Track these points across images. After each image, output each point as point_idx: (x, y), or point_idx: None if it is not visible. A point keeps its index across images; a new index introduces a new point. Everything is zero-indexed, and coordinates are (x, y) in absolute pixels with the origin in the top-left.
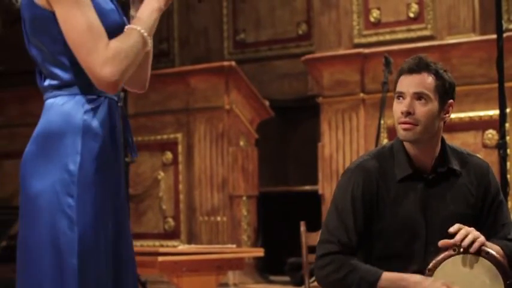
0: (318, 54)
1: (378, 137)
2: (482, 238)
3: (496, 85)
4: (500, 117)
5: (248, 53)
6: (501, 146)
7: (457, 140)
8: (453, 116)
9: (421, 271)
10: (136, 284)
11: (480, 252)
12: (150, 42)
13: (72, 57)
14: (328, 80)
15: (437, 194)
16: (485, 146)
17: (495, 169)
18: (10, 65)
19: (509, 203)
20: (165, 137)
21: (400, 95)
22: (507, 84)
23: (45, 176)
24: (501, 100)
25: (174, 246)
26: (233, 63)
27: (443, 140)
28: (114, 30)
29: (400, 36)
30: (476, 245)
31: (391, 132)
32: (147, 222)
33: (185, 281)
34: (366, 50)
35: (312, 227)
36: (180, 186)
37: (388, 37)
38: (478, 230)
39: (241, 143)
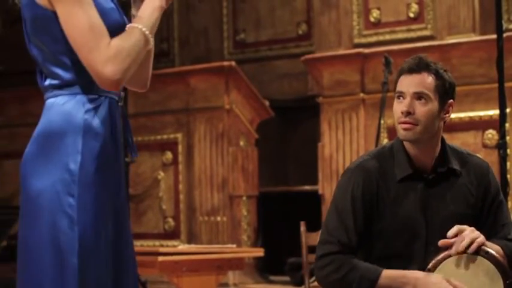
0: (318, 54)
1: (378, 137)
2: (481, 238)
3: (496, 85)
4: (500, 117)
5: (248, 53)
6: (501, 146)
7: (457, 140)
8: (453, 116)
9: (421, 271)
10: (137, 284)
11: (480, 252)
12: (151, 40)
13: (73, 57)
14: (328, 80)
15: (437, 194)
16: (485, 146)
17: (495, 169)
18: (10, 65)
19: (509, 203)
20: (165, 137)
21: (400, 95)
22: (507, 84)
23: (46, 176)
24: (501, 100)
25: (174, 246)
26: (233, 63)
27: (443, 140)
28: (115, 30)
29: (400, 36)
30: (474, 246)
31: (391, 132)
32: (147, 222)
33: (185, 281)
34: (366, 50)
35: (312, 227)
36: (180, 186)
37: (388, 37)
38: (478, 230)
39: (241, 143)
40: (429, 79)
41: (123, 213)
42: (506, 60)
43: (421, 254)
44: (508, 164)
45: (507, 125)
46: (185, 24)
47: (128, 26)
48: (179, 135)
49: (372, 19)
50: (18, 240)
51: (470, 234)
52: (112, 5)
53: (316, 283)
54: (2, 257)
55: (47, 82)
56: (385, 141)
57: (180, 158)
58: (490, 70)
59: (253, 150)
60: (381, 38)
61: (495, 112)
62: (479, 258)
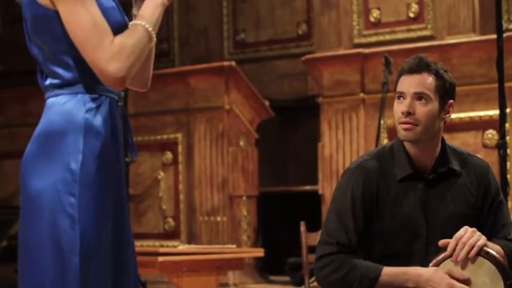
0: (318, 54)
1: (378, 137)
2: (481, 241)
3: (496, 85)
4: (500, 117)
5: (248, 53)
6: (501, 146)
7: (457, 140)
8: (453, 116)
9: None
10: (137, 284)
11: (480, 253)
12: (154, 37)
13: (74, 56)
14: (328, 80)
15: (438, 194)
16: (485, 146)
17: (495, 169)
18: (10, 65)
19: (509, 203)
20: (165, 137)
21: (401, 95)
22: (507, 84)
23: (47, 175)
24: (501, 100)
25: (174, 246)
26: (233, 63)
27: (443, 140)
28: (116, 29)
29: (400, 36)
30: (474, 251)
31: (391, 132)
32: (147, 222)
33: (185, 281)
34: (366, 50)
35: (312, 227)
36: (180, 186)
37: (388, 37)
38: (478, 230)
39: (241, 143)
40: (429, 79)
41: (123, 213)
42: (506, 60)
43: (421, 254)
44: (508, 164)
45: (507, 125)
46: (185, 24)
47: (130, 23)
48: (179, 135)
49: (372, 19)
50: (19, 240)
51: (470, 239)
52: (113, 3)
53: (316, 283)
54: (2, 257)
55: (48, 81)
56: (385, 141)
57: (180, 158)
58: (490, 70)
59: (253, 150)
60: (381, 38)
61: (495, 112)
62: (480, 259)
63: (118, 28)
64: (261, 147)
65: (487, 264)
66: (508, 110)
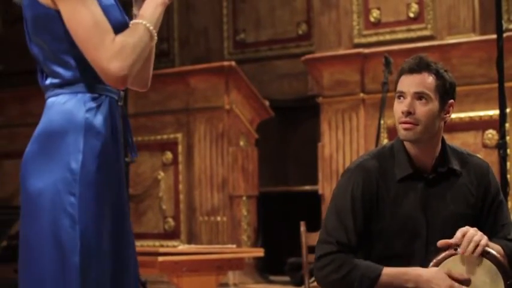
0: (318, 54)
1: (378, 137)
2: (484, 241)
3: (496, 85)
4: (500, 117)
5: (248, 53)
6: (501, 146)
7: (457, 140)
8: (453, 116)
9: None
10: (138, 283)
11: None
12: (156, 36)
13: (75, 55)
14: (328, 80)
15: (438, 194)
16: (485, 146)
17: (495, 169)
18: (10, 65)
19: (509, 203)
20: (165, 137)
21: (401, 95)
22: (507, 84)
23: (47, 175)
24: (501, 100)
25: (174, 246)
26: (233, 63)
27: (443, 140)
28: (116, 27)
29: (400, 36)
30: (479, 250)
31: (391, 132)
32: (147, 222)
33: (185, 281)
34: (366, 50)
35: (312, 227)
36: (180, 186)
37: (388, 37)
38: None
39: (241, 143)
40: (430, 79)
41: (123, 213)
42: (506, 60)
43: (421, 253)
44: (508, 164)
45: (507, 125)
46: (185, 24)
47: (131, 22)
48: (179, 135)
49: (372, 19)
50: (20, 239)
51: (475, 237)
52: (112, 1)
53: (316, 283)
54: (2, 257)
55: (48, 81)
56: (385, 141)
57: (180, 158)
58: (490, 70)
59: (253, 150)
60: (381, 38)
61: (495, 112)
62: (481, 258)
63: (118, 27)
64: (261, 147)
65: (488, 264)
66: (508, 110)
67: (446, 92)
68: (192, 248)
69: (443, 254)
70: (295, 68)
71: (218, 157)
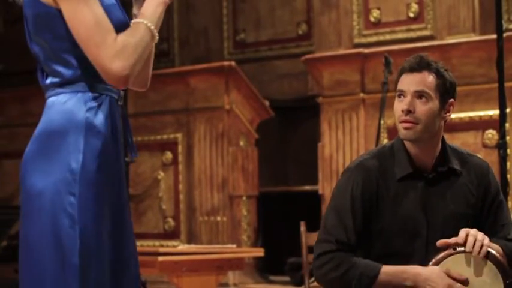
0: (318, 54)
1: (378, 137)
2: (487, 241)
3: (496, 85)
4: (500, 117)
5: (248, 53)
6: (501, 146)
7: (457, 140)
8: (453, 116)
9: None
10: (138, 284)
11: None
12: (157, 35)
13: (75, 55)
14: (328, 80)
15: (438, 193)
16: (485, 146)
17: (495, 169)
18: (10, 65)
19: (509, 203)
20: (165, 137)
21: (401, 94)
22: (507, 84)
23: (47, 175)
24: (501, 100)
25: (174, 246)
26: (233, 63)
27: (443, 140)
28: (117, 26)
29: (400, 36)
30: (484, 250)
31: (391, 132)
32: (147, 222)
33: (185, 281)
34: (366, 50)
35: (312, 227)
36: (180, 186)
37: (388, 37)
38: (478, 230)
39: (241, 143)
40: (430, 78)
41: (123, 213)
42: (506, 60)
43: (421, 253)
44: (508, 164)
45: (507, 125)
46: (185, 24)
47: (132, 21)
48: (179, 135)
49: (372, 19)
50: (20, 239)
51: (478, 236)
52: (113, 0)
53: (316, 283)
54: (2, 257)
55: (48, 80)
56: (385, 141)
57: (180, 158)
58: (490, 70)
59: (253, 150)
60: (381, 38)
61: (495, 112)
62: (480, 258)
63: (120, 26)
64: (261, 147)
65: (488, 263)
66: (508, 110)
67: (446, 91)
68: (192, 248)
69: (442, 254)
70: (295, 68)
71: (218, 157)
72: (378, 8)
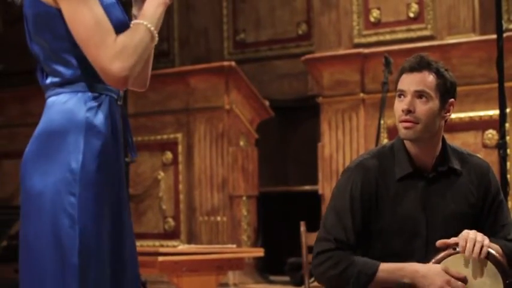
0: (318, 54)
1: (378, 137)
2: (487, 242)
3: (496, 85)
4: (500, 117)
5: (248, 53)
6: (501, 146)
7: (457, 140)
8: (453, 116)
9: None
10: (138, 284)
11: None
12: (157, 36)
13: (75, 54)
14: (328, 80)
15: (438, 193)
16: (485, 146)
17: (495, 169)
18: (10, 65)
19: (509, 203)
20: (165, 137)
21: (401, 93)
22: (507, 84)
23: (47, 175)
24: (501, 100)
25: (174, 246)
26: (233, 63)
27: (444, 140)
28: (117, 26)
29: (400, 36)
30: (484, 251)
31: (391, 132)
32: (147, 222)
33: (185, 281)
34: (366, 50)
35: (312, 227)
36: (180, 186)
37: (388, 37)
38: (478, 229)
39: (241, 143)
40: (430, 78)
41: (123, 213)
42: (506, 60)
43: (421, 252)
44: (508, 164)
45: (507, 125)
46: (185, 24)
47: (132, 22)
48: (179, 135)
49: (372, 19)
50: (20, 239)
51: (477, 237)
52: (113, 0)
53: (316, 283)
54: (2, 257)
55: (48, 80)
56: (385, 141)
57: (180, 158)
58: (490, 70)
59: (253, 150)
60: (381, 38)
61: (495, 112)
62: (480, 258)
63: (119, 26)
64: (261, 147)
65: (487, 263)
66: (508, 110)
67: (446, 91)
68: (192, 248)
69: (442, 254)
70: (295, 68)
71: (218, 157)
72: (378, 8)
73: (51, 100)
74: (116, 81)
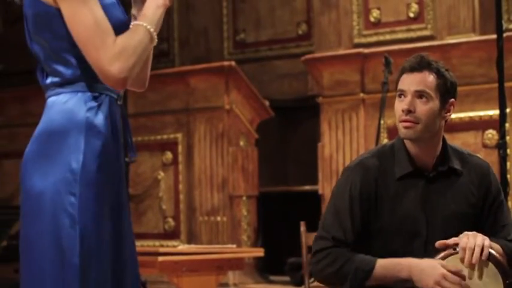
0: (318, 54)
1: (378, 137)
2: (487, 242)
3: (496, 85)
4: (500, 117)
5: (248, 53)
6: (501, 146)
7: (457, 140)
8: (453, 116)
9: None
10: (138, 284)
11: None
12: (156, 38)
13: (75, 54)
14: (328, 80)
15: (438, 192)
16: (485, 146)
17: (495, 169)
18: (10, 65)
19: (510, 203)
20: (165, 137)
21: (402, 93)
22: (507, 84)
23: (48, 175)
24: (501, 100)
25: (174, 246)
26: (233, 63)
27: (444, 140)
28: (116, 26)
29: (400, 36)
30: (486, 252)
31: (391, 132)
32: (147, 222)
33: (185, 281)
34: (366, 50)
35: (312, 227)
36: (180, 186)
37: (388, 37)
38: (478, 229)
39: (241, 143)
40: (430, 78)
41: (123, 213)
42: (506, 60)
43: (420, 252)
44: (508, 164)
45: (507, 125)
46: (185, 24)
47: (132, 23)
48: (179, 135)
49: (372, 19)
50: (20, 239)
51: (477, 241)
52: (113, 0)
53: (316, 283)
54: (2, 257)
55: (49, 80)
56: (385, 141)
57: (180, 158)
58: (490, 70)
59: (253, 150)
60: (381, 38)
61: (495, 112)
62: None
63: (119, 25)
64: (261, 147)
65: (487, 263)
66: (508, 110)
67: (447, 91)
68: (192, 248)
69: (442, 254)
70: (295, 68)
71: (218, 157)
72: (378, 8)
73: (52, 100)
74: (115, 82)
